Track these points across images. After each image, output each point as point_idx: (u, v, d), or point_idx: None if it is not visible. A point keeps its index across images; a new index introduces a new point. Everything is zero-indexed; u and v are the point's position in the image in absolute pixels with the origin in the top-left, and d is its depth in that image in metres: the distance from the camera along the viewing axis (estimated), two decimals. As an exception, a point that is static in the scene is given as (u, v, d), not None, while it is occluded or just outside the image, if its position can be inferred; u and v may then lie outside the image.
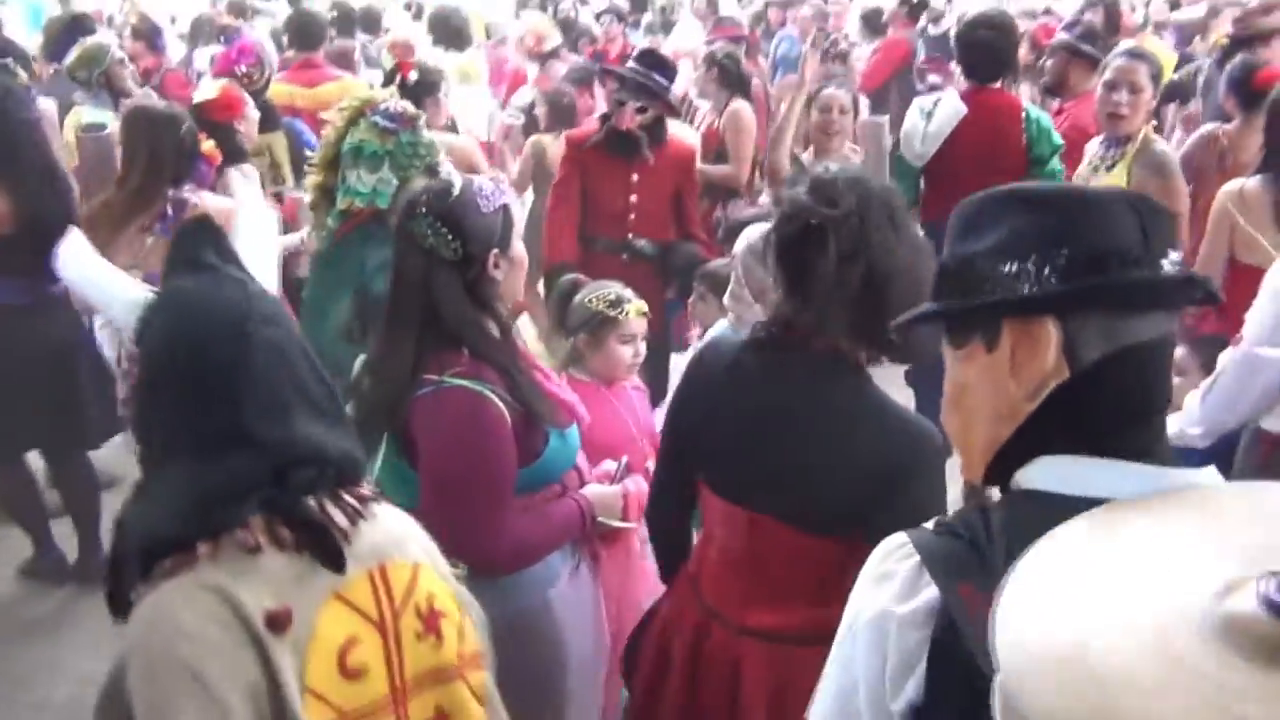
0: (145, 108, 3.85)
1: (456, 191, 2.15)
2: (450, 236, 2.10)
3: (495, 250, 2.15)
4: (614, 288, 2.97)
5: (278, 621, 1.26)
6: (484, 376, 2.08)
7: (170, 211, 3.60)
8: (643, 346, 2.98)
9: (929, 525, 1.10)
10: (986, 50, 4.26)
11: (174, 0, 10.18)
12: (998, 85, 4.29)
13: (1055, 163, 4.14)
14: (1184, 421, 2.71)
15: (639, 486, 2.47)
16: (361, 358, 2.26)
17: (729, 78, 5.35)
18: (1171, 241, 1.08)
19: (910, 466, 1.81)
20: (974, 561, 1.01)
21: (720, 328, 2.86)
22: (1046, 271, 1.03)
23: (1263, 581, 0.59)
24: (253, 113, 4.43)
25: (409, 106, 3.11)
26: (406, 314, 2.13)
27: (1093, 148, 4.04)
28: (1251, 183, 3.45)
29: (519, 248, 2.23)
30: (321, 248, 3.23)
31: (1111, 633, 0.63)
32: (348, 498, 1.38)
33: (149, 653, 1.24)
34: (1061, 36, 4.84)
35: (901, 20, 7.89)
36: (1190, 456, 2.81)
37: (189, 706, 1.20)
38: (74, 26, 5.37)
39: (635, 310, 2.92)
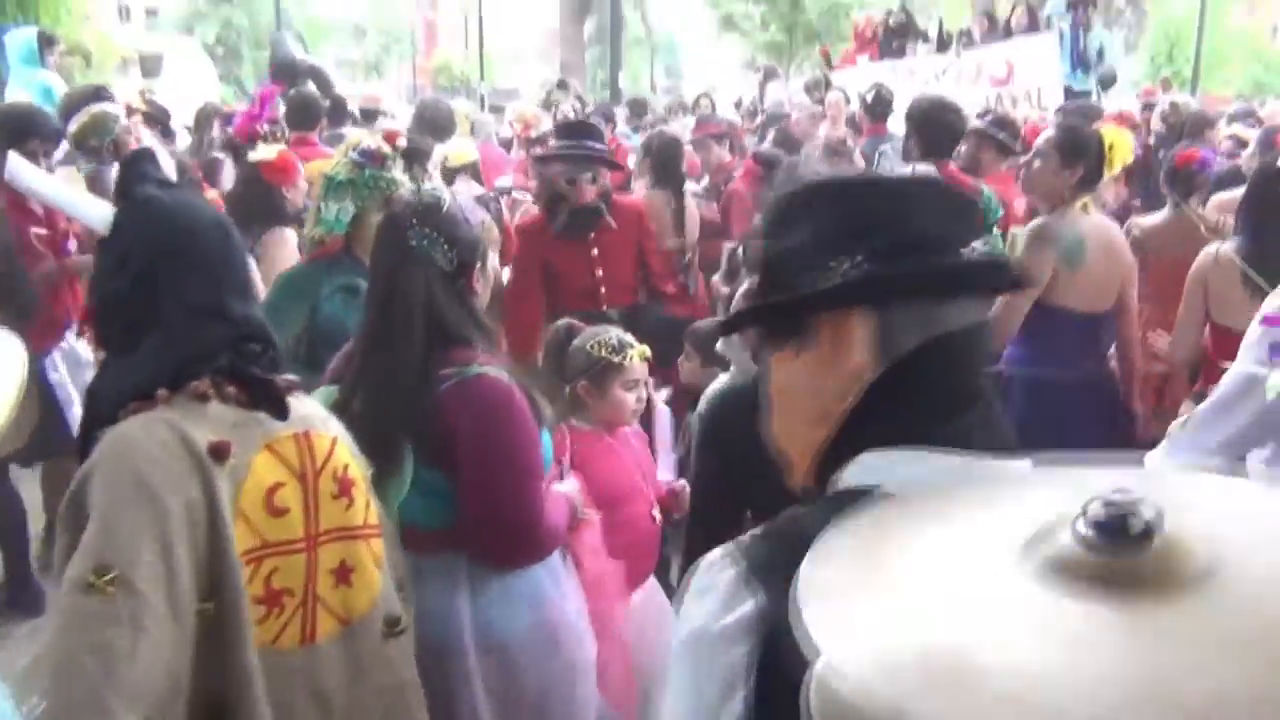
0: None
1: (446, 205, 2.29)
2: (446, 246, 2.22)
3: (478, 263, 2.29)
4: (614, 332, 2.94)
5: (219, 451, 1.55)
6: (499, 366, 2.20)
7: None
8: (644, 392, 2.95)
9: (755, 532, 1.06)
10: (946, 129, 4.72)
11: (189, 87, 10.53)
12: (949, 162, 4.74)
13: (995, 231, 4.47)
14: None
15: (574, 485, 2.58)
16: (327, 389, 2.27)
17: (658, 167, 5.57)
18: (977, 228, 1.09)
19: None
20: (795, 562, 0.92)
21: (720, 382, 2.87)
22: (850, 264, 1.02)
23: (1093, 504, 0.58)
24: (303, 182, 4.50)
25: (384, 146, 3.29)
26: (406, 323, 2.17)
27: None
28: (1226, 246, 3.65)
29: (493, 262, 2.38)
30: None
31: (939, 601, 0.61)
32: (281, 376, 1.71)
33: (106, 464, 1.50)
34: (976, 123, 5.24)
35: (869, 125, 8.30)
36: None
37: (133, 504, 1.46)
38: (95, 97, 5.52)
39: (639, 355, 2.88)
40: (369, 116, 8.49)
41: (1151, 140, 6.96)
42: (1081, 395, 3.77)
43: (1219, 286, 3.62)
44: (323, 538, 1.70)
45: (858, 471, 1.02)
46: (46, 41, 8.19)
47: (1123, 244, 4.03)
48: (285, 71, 8.68)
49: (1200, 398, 2.88)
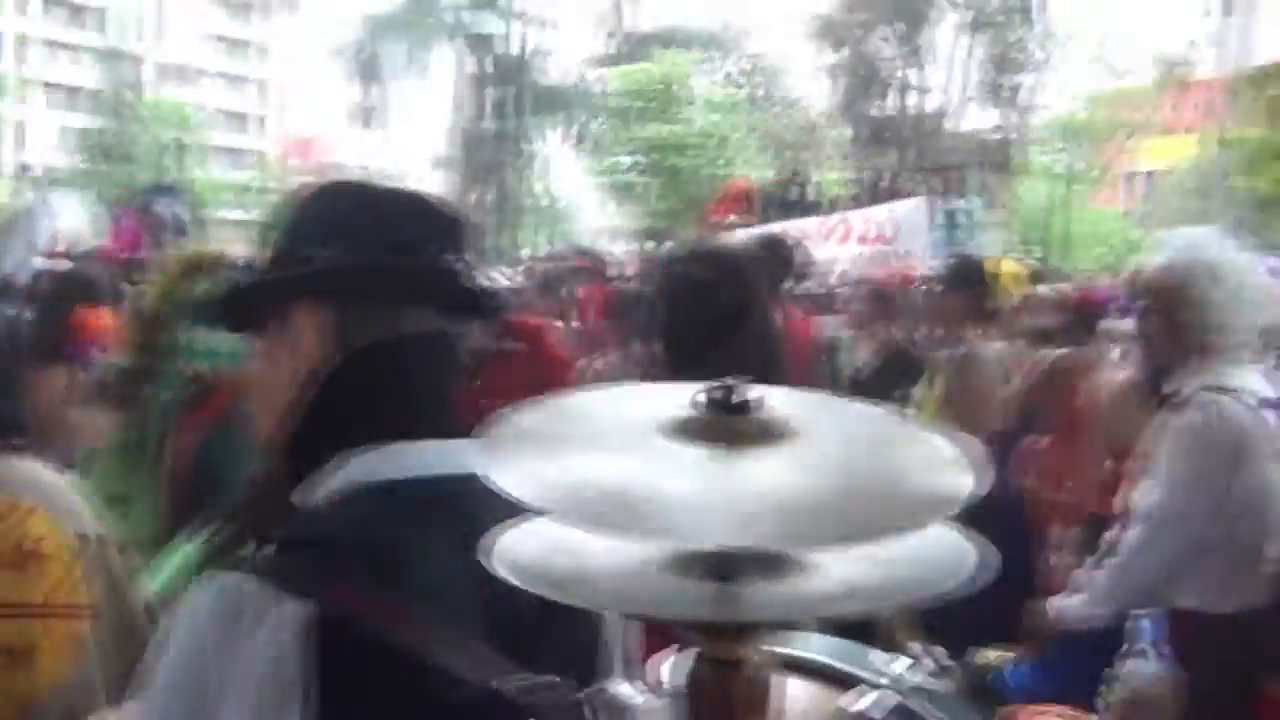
0: None
1: None
2: None
3: None
4: None
5: None
6: None
7: None
8: None
9: (268, 548, 1.00)
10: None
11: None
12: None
13: None
14: (1085, 602, 2.73)
15: None
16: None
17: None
18: (458, 243, 1.12)
19: None
20: (339, 564, 0.96)
21: None
22: (317, 259, 1.06)
23: (708, 388, 0.78)
24: None
25: None
26: None
27: None
28: (1124, 373, 3.72)
29: None
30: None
31: (595, 454, 0.78)
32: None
33: None
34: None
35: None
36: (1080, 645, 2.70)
37: None
38: None
39: None
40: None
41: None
42: (982, 520, 3.76)
43: (1119, 410, 3.63)
44: None
45: (361, 468, 1.02)
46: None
47: (1011, 371, 4.07)
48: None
49: (1097, 523, 2.98)
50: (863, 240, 8.57)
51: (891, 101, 31.46)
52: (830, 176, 30.74)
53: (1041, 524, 4.00)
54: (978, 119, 31.89)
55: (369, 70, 32.49)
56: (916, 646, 1.25)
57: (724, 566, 0.74)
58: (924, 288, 4.26)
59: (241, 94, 69.00)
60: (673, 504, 0.72)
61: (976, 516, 2.89)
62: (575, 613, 0.82)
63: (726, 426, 0.77)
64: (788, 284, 5.02)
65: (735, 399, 0.78)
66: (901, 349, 4.99)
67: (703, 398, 0.78)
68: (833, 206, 9.48)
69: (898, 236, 8.39)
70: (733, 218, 8.08)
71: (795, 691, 1.09)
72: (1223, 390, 2.61)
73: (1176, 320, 2.72)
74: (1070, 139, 33.22)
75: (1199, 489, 2.58)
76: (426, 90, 38.98)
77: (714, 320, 2.17)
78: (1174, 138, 34.91)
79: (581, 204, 49.97)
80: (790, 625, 1.08)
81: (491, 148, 32.46)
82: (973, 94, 31.24)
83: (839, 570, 0.76)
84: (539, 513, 0.74)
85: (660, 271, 2.38)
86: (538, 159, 36.27)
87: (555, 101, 33.60)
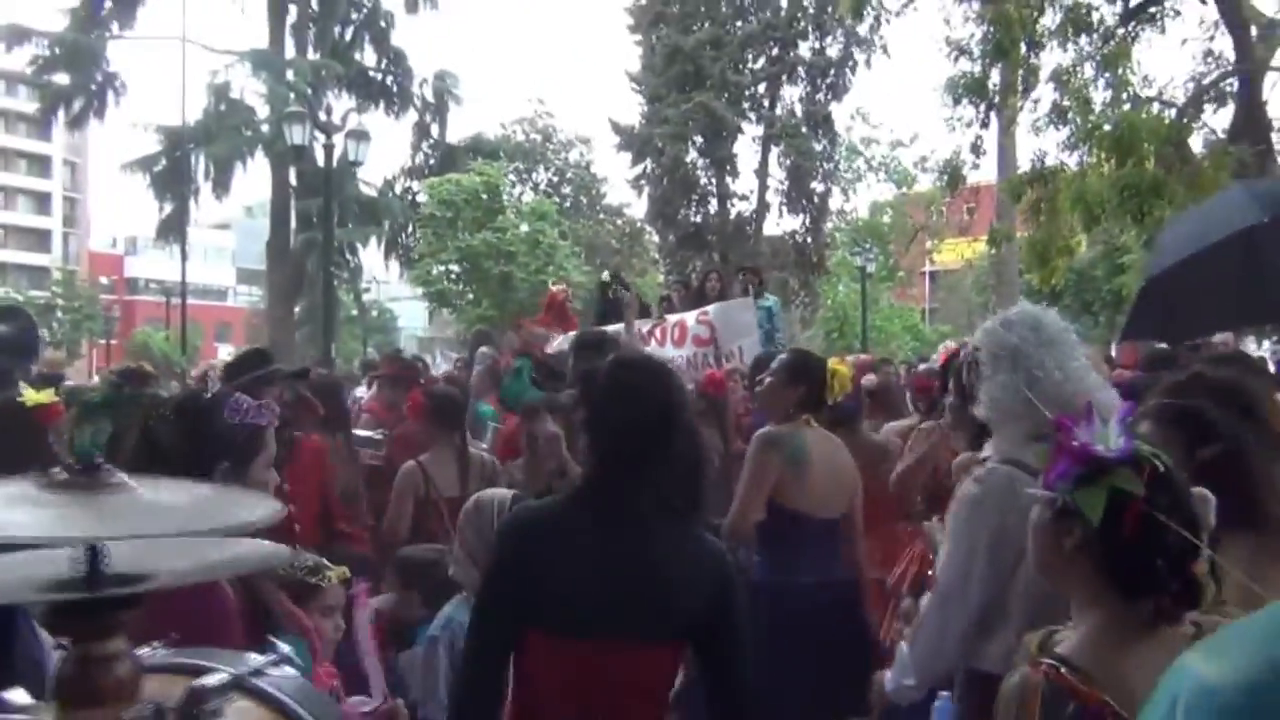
0: None
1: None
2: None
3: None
4: (304, 554, 2.79)
5: None
6: None
7: None
8: (341, 620, 2.80)
9: None
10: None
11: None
12: None
13: None
14: (898, 674, 2.79)
15: None
16: None
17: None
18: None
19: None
20: None
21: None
22: None
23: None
24: None
25: (145, 365, 3.05)
26: None
27: None
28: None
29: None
30: None
31: None
32: None
33: None
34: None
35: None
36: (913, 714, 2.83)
37: None
38: None
39: (337, 577, 2.76)
40: (50, 381, 7.64)
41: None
42: (827, 600, 3.89)
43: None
44: None
45: None
46: None
47: (847, 458, 4.25)
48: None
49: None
50: (698, 341, 8.36)
51: (701, 208, 32.22)
52: (651, 278, 31.17)
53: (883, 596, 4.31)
54: (782, 223, 33.04)
55: (171, 183, 31.08)
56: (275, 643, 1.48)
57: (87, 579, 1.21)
58: (765, 379, 4.33)
59: (41, 210, 65.48)
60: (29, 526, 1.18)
61: (822, 600, 3.98)
62: None
63: (81, 480, 1.27)
64: None
65: (91, 460, 1.30)
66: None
67: (75, 467, 1.30)
68: (659, 308, 9.21)
69: (727, 335, 8.22)
70: (540, 330, 7.80)
71: (154, 686, 1.28)
72: (1016, 463, 2.63)
73: (967, 398, 2.94)
74: (866, 241, 34.72)
75: (977, 557, 2.65)
76: (232, 203, 37.64)
77: (650, 423, 2.30)
78: (963, 239, 37.01)
79: (402, 313, 49.15)
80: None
81: (306, 259, 31.45)
82: (775, 200, 32.35)
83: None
84: None
85: (588, 378, 2.46)
86: (354, 270, 35.39)
87: (370, 212, 32.98)
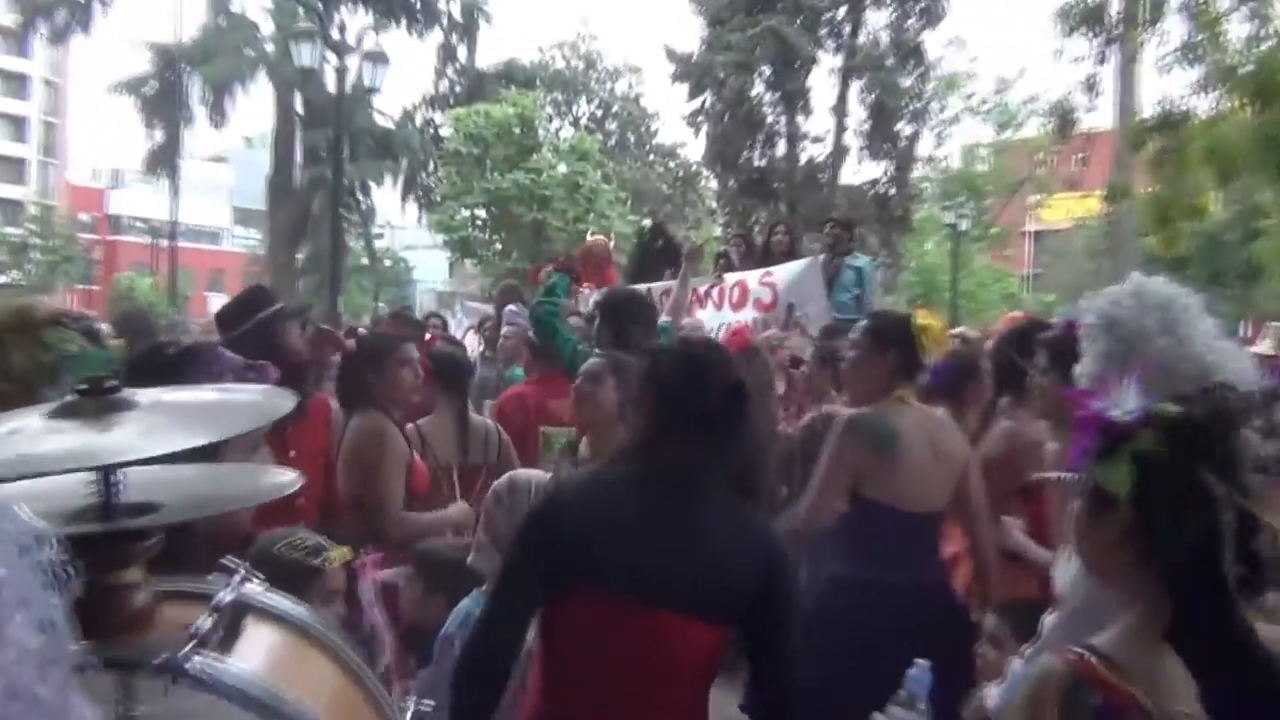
0: None
1: None
2: None
3: None
4: (301, 532, 2.83)
5: None
6: None
7: None
8: (342, 606, 2.88)
9: None
10: (639, 320, 5.41)
11: None
12: None
13: None
14: (1008, 693, 2.74)
15: None
16: None
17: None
18: None
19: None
20: None
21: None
22: None
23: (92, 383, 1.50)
24: None
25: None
26: None
27: None
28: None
29: None
30: None
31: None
32: None
33: None
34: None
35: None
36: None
37: None
38: None
39: (338, 557, 2.82)
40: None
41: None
42: (914, 602, 3.84)
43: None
44: None
45: None
46: None
47: (954, 439, 4.15)
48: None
49: (1027, 608, 3.14)
50: (760, 306, 8.38)
51: (767, 150, 32.03)
52: (706, 231, 31.11)
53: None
54: (861, 170, 32.76)
55: (162, 108, 31.50)
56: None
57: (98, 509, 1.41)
58: (850, 350, 4.30)
59: (16, 136, 66.39)
60: (48, 447, 1.38)
61: (908, 602, 3.96)
62: None
63: (91, 403, 1.44)
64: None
65: (105, 385, 1.48)
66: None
67: (77, 390, 1.47)
68: (715, 266, 9.23)
69: (794, 299, 8.24)
70: (586, 287, 7.72)
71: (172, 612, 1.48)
72: None
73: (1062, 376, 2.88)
74: (959, 193, 34.36)
75: None
76: (231, 134, 37.92)
77: (715, 403, 2.53)
78: (1073, 194, 36.55)
79: (419, 264, 49.53)
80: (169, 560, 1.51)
81: (311, 198, 31.75)
82: (854, 143, 32.08)
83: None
84: None
85: (651, 358, 2.74)
86: (366, 212, 35.70)
87: (386, 147, 33.22)
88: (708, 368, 2.58)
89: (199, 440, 1.42)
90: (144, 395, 1.50)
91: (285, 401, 1.59)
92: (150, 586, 1.41)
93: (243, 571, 1.60)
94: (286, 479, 1.62)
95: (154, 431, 1.40)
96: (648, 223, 11.44)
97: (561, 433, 5.45)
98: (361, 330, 5.38)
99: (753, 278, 8.61)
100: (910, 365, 4.14)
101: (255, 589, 1.60)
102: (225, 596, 1.47)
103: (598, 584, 2.42)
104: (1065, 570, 2.75)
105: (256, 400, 1.67)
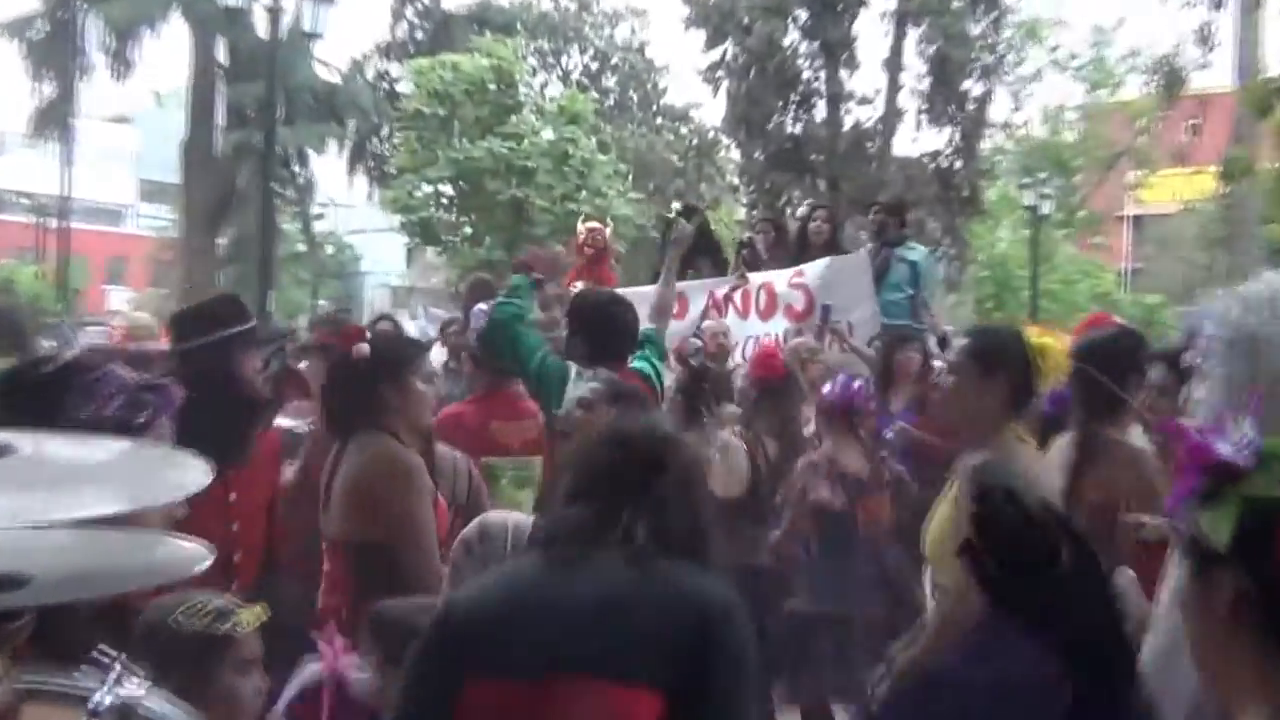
0: None
1: None
2: None
3: None
4: (198, 595, 2.88)
5: None
6: None
7: None
8: (260, 679, 2.98)
9: None
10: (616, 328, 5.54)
11: None
12: None
13: None
14: None
15: None
16: None
17: None
18: None
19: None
20: None
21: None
22: None
23: None
24: None
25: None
26: None
27: None
28: None
29: None
30: None
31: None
32: None
33: None
34: None
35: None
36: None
37: None
38: None
39: (251, 619, 2.91)
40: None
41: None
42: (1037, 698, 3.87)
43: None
44: None
45: None
46: None
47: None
48: None
49: None
50: (793, 314, 8.41)
51: (803, 114, 32.02)
52: (727, 213, 31.12)
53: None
54: (919, 139, 32.77)
55: (53, 56, 31.61)
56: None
57: None
58: (949, 376, 4.46)
59: None
60: None
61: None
62: None
63: None
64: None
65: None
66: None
67: None
68: (738, 258, 9.27)
69: (832, 305, 8.25)
70: (578, 284, 7.72)
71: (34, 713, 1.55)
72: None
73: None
74: (1040, 169, 34.40)
75: None
76: (137, 88, 37.97)
77: (622, 466, 2.89)
78: (1182, 170, 36.55)
79: (368, 251, 49.57)
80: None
81: (237, 169, 31.80)
82: (911, 105, 32.09)
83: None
84: None
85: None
86: (304, 187, 35.76)
87: (330, 106, 33.27)
88: (625, 441, 2.94)
89: (89, 510, 1.37)
90: (25, 441, 1.46)
91: (198, 476, 1.58)
92: (10, 682, 1.38)
93: (118, 667, 1.61)
94: (192, 555, 1.56)
95: (31, 489, 1.37)
96: (676, 205, 11.43)
97: (507, 464, 5.48)
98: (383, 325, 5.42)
99: (780, 279, 8.61)
100: (1025, 392, 4.16)
101: (135, 689, 1.60)
102: (103, 700, 1.47)
103: (500, 670, 2.72)
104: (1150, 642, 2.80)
105: (164, 471, 1.67)
